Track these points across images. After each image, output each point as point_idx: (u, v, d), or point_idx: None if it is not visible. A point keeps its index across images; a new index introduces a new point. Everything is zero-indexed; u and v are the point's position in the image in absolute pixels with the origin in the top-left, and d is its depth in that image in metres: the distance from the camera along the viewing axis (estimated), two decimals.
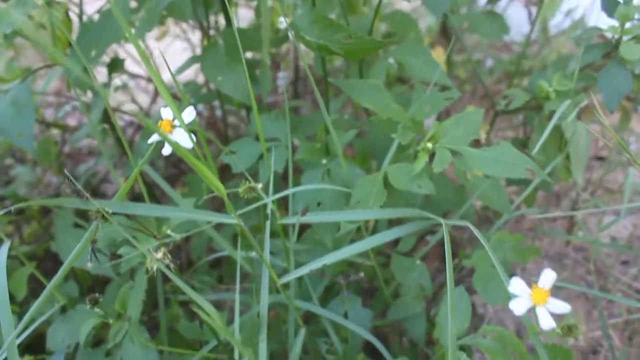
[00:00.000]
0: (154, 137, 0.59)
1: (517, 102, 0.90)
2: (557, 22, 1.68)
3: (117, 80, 1.47)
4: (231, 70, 0.85)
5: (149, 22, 0.81)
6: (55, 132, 1.47)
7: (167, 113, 0.59)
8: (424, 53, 0.80)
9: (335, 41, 0.63)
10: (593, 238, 1.09)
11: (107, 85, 0.97)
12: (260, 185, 0.65)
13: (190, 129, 0.57)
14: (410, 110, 0.71)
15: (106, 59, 1.07)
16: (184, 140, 0.57)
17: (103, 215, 0.51)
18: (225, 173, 1.16)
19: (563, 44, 1.60)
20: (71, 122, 1.62)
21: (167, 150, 0.57)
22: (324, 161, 0.78)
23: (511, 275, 0.52)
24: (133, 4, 0.87)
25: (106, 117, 1.08)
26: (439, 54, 1.10)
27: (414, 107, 0.72)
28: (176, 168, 1.51)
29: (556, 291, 0.48)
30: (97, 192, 1.39)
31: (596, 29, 0.87)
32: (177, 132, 0.57)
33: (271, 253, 0.77)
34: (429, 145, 0.67)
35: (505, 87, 1.37)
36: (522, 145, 1.03)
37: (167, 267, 0.53)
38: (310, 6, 0.63)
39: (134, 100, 1.66)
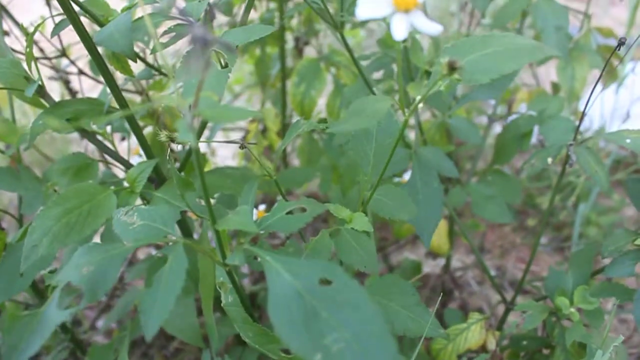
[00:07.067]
0: None
1: (531, 322, 0.73)
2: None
3: None
4: (180, 306, 0.71)
5: None
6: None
7: None
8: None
9: (272, 351, 0.48)
10: None
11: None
12: None
13: None
14: None
15: None
16: None
17: None
18: None
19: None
20: None
21: None
22: None
23: None
24: None
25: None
26: (442, 229, 0.95)
27: None
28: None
29: None
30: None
31: (623, 236, 0.70)
32: None
33: None
34: None
35: (521, 239, 1.20)
36: (545, 345, 0.85)
37: None
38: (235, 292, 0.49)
39: None
